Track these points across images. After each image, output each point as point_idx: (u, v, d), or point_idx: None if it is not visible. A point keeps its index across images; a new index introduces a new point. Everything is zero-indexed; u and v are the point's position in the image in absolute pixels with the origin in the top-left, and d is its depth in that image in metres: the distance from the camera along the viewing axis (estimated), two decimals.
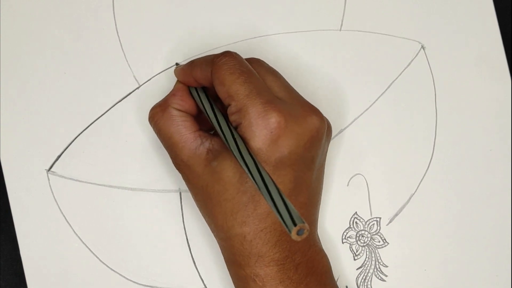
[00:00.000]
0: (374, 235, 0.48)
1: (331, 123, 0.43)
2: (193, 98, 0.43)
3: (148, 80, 0.48)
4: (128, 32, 0.48)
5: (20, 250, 0.46)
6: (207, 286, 0.47)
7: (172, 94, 0.43)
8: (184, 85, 0.44)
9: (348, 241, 0.48)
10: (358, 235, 0.48)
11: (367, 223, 0.48)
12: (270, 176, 0.36)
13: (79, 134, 0.47)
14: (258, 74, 0.42)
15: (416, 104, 0.49)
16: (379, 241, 0.48)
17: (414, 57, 0.49)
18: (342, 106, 0.48)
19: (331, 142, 0.46)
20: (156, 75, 0.48)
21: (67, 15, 0.48)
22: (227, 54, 0.41)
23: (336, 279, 0.47)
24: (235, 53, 0.41)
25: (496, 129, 0.49)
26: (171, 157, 0.43)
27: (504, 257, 0.48)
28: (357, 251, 0.48)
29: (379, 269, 0.48)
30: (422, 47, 0.49)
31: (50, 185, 0.47)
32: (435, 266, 0.48)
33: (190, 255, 0.47)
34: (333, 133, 0.47)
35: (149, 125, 0.47)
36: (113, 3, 0.48)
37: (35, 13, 0.48)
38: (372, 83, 0.48)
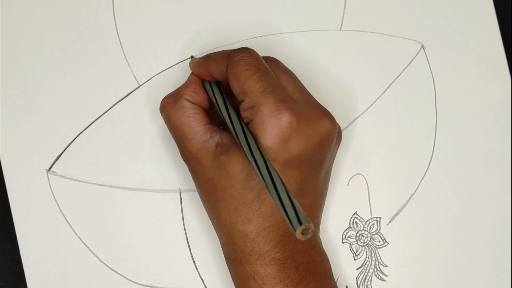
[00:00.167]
0: (374, 235, 0.48)
1: None
2: (206, 91, 0.43)
3: (148, 80, 0.48)
4: (128, 32, 0.48)
5: (20, 250, 0.46)
6: (207, 286, 0.47)
7: (185, 86, 0.43)
8: (198, 78, 0.44)
9: (348, 241, 0.48)
10: (358, 235, 0.48)
11: (367, 223, 0.48)
12: (278, 175, 0.36)
13: (79, 134, 0.47)
14: (274, 73, 0.42)
15: (416, 104, 0.49)
16: (379, 241, 0.48)
17: (414, 57, 0.49)
18: (342, 106, 0.48)
19: None
20: (156, 75, 0.48)
21: (67, 15, 0.48)
22: (245, 50, 0.41)
23: (336, 279, 0.47)
24: (253, 50, 0.41)
25: (496, 129, 0.49)
26: (179, 148, 0.43)
27: (504, 257, 0.48)
28: (357, 251, 0.48)
29: (379, 269, 0.48)
30: (422, 47, 0.49)
31: (50, 185, 0.47)
32: (435, 266, 0.48)
33: (190, 255, 0.47)
34: None
35: (149, 126, 0.47)
36: (113, 3, 0.48)
37: (35, 13, 0.48)
38: (372, 83, 0.48)
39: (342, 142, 0.46)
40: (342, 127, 0.48)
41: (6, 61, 0.47)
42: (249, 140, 0.39)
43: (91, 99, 0.47)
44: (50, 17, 0.48)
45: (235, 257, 0.41)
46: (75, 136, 0.47)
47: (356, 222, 0.48)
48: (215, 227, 0.43)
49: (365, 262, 0.48)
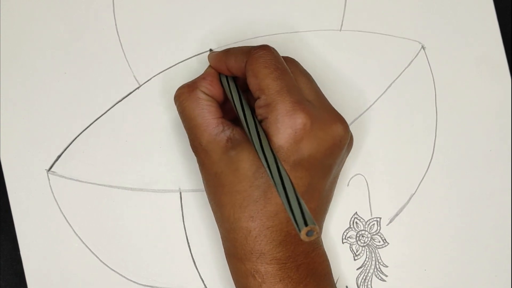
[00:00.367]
0: (374, 235, 0.48)
1: None
2: (222, 85, 0.43)
3: (148, 80, 0.48)
4: (128, 32, 0.48)
5: (20, 250, 0.46)
6: (207, 286, 0.47)
7: (202, 78, 0.43)
8: (215, 71, 0.44)
9: (348, 241, 0.48)
10: (358, 235, 0.48)
11: (367, 223, 0.48)
12: (287, 174, 0.36)
13: (79, 134, 0.47)
14: (292, 73, 0.42)
15: (416, 104, 0.49)
16: (379, 241, 0.48)
17: (414, 57, 0.49)
18: (342, 106, 0.48)
19: None
20: (156, 75, 0.48)
21: (67, 15, 0.48)
22: (265, 48, 0.41)
23: (336, 279, 0.47)
24: (273, 48, 0.41)
25: (496, 129, 0.49)
26: (190, 139, 0.43)
27: (504, 257, 0.48)
28: (357, 251, 0.48)
29: (379, 269, 0.48)
30: (422, 47, 0.49)
31: (50, 185, 0.47)
32: (435, 266, 0.48)
33: (190, 255, 0.47)
34: None
35: (149, 126, 0.47)
36: (113, 3, 0.48)
37: (35, 13, 0.48)
38: (372, 83, 0.48)
39: None
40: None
41: (6, 61, 0.47)
42: (261, 138, 0.39)
43: (91, 99, 0.47)
44: (50, 17, 0.48)
45: (236, 253, 0.41)
46: (75, 136, 0.47)
47: (356, 222, 0.48)
48: (217, 221, 0.43)
49: (365, 262, 0.48)
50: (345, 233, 0.48)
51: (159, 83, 0.48)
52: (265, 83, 0.40)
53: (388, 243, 0.48)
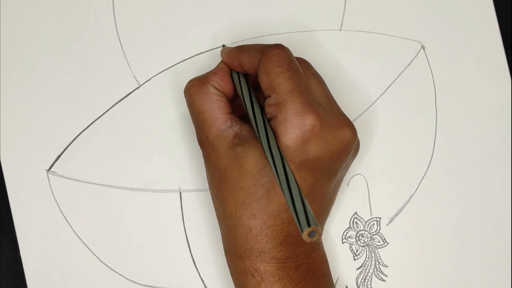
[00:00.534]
0: (374, 235, 0.48)
1: None
2: (233, 82, 0.43)
3: (148, 80, 0.48)
4: (128, 32, 0.48)
5: (20, 250, 0.46)
6: (207, 286, 0.47)
7: (213, 72, 0.43)
8: (227, 67, 0.44)
9: (348, 241, 0.48)
10: (358, 235, 0.48)
11: (367, 223, 0.48)
12: (293, 174, 0.36)
13: (79, 134, 0.47)
14: (303, 74, 0.42)
15: (416, 104, 0.49)
16: (379, 241, 0.48)
17: (414, 57, 0.49)
18: (342, 106, 0.47)
19: None
20: (156, 75, 0.48)
21: (67, 15, 0.48)
22: (279, 47, 0.41)
23: (336, 279, 0.47)
24: (287, 48, 0.42)
25: (496, 129, 0.49)
26: (197, 133, 0.43)
27: (504, 257, 0.48)
28: (357, 251, 0.48)
29: (379, 269, 0.48)
30: (422, 47, 0.49)
31: (50, 185, 0.47)
32: (435, 266, 0.48)
33: (190, 255, 0.47)
34: None
35: (149, 126, 0.47)
36: (113, 3, 0.48)
37: (35, 13, 0.48)
38: (372, 83, 0.48)
39: None
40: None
41: (6, 61, 0.47)
42: (269, 136, 0.39)
43: (91, 99, 0.47)
44: (50, 17, 0.48)
45: (235, 251, 0.41)
46: (75, 136, 0.47)
47: (356, 222, 0.48)
48: (218, 218, 0.43)
49: (365, 262, 0.48)
50: (345, 233, 0.48)
51: (159, 83, 0.48)
52: (277, 82, 0.40)
53: (388, 243, 0.48)
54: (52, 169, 0.47)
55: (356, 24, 0.49)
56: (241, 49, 0.43)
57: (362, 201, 0.48)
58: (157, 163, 0.47)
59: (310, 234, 0.33)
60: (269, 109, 0.40)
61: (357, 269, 0.48)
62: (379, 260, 0.48)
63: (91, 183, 0.47)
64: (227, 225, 0.41)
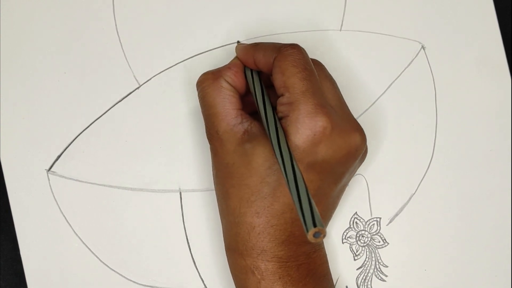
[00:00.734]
0: (374, 235, 0.48)
1: None
2: (246, 78, 0.43)
3: (148, 80, 0.48)
4: (128, 32, 0.48)
5: (20, 250, 0.46)
6: (207, 286, 0.47)
7: (227, 67, 0.43)
8: (241, 63, 0.44)
9: (348, 241, 0.48)
10: (358, 235, 0.48)
11: (367, 223, 0.48)
12: (301, 174, 0.36)
13: (79, 134, 0.47)
14: (318, 77, 0.42)
15: (416, 104, 0.49)
16: (379, 241, 0.48)
17: (414, 57, 0.49)
18: None
19: None
20: (156, 75, 0.48)
21: (67, 15, 0.48)
22: (296, 47, 0.41)
23: (336, 279, 0.47)
24: (303, 48, 0.42)
25: (496, 129, 0.49)
26: (206, 126, 0.42)
27: (504, 257, 0.48)
28: (357, 251, 0.48)
29: (379, 269, 0.48)
30: (422, 47, 0.49)
31: (50, 185, 0.47)
32: (435, 266, 0.48)
33: (190, 255, 0.47)
34: None
35: (149, 126, 0.47)
36: (113, 3, 0.48)
37: (35, 13, 0.48)
38: (372, 83, 0.48)
39: None
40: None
41: (6, 61, 0.47)
42: (280, 135, 0.39)
43: (91, 99, 0.47)
44: (50, 17, 0.48)
45: (236, 248, 0.41)
46: (75, 136, 0.47)
47: (356, 222, 0.48)
48: (221, 213, 0.42)
49: (365, 262, 0.48)
50: (345, 233, 0.48)
51: (159, 83, 0.48)
52: (291, 81, 0.40)
53: (388, 243, 0.48)
54: (52, 169, 0.47)
55: (356, 24, 0.49)
56: (257, 46, 0.43)
57: (362, 201, 0.48)
58: (157, 163, 0.47)
59: (315, 235, 0.33)
60: (281, 108, 0.40)
61: (357, 269, 0.48)
62: (379, 260, 0.48)
63: (91, 183, 0.47)
64: (230, 222, 0.41)
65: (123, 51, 0.48)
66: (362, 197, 0.48)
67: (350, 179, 0.44)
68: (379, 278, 0.48)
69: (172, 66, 0.48)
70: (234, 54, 0.45)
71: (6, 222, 0.46)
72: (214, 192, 0.46)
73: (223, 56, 0.48)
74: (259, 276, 0.40)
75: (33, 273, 0.46)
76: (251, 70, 0.43)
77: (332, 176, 0.41)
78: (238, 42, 0.47)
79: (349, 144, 0.40)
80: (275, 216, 0.40)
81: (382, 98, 0.48)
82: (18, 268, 0.46)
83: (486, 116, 0.49)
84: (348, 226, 0.48)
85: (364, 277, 0.48)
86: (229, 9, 0.48)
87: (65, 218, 0.47)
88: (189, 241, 0.47)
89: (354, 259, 0.48)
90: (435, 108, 0.49)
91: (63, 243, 0.46)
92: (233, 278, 0.42)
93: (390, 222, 0.48)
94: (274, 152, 0.38)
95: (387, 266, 0.48)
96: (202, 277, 0.47)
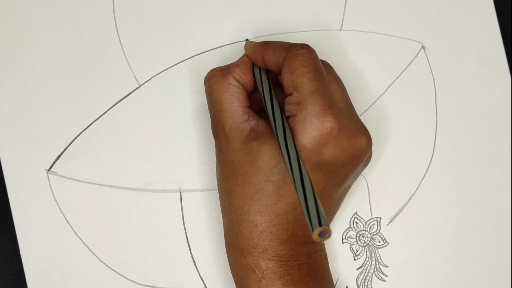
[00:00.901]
0: (374, 235, 0.48)
1: None
2: (254, 77, 0.43)
3: (148, 80, 0.48)
4: (128, 32, 0.48)
5: (20, 250, 0.46)
6: (207, 286, 0.47)
7: (236, 65, 0.43)
8: (249, 61, 0.44)
9: (348, 241, 0.48)
10: (358, 235, 0.48)
11: (367, 223, 0.48)
12: (308, 173, 0.36)
13: (79, 134, 0.47)
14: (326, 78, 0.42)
15: (416, 104, 0.49)
16: (379, 241, 0.48)
17: (414, 57, 0.49)
18: None
19: None
20: (156, 75, 0.48)
21: (67, 15, 0.48)
22: (306, 47, 0.41)
23: (336, 279, 0.47)
24: (313, 49, 0.42)
25: (496, 129, 0.49)
26: (213, 122, 0.42)
27: (504, 257, 0.48)
28: (357, 251, 0.48)
29: (379, 269, 0.48)
30: (422, 47, 0.49)
31: (50, 185, 0.47)
32: (435, 266, 0.48)
33: (190, 255, 0.47)
34: None
35: (149, 126, 0.47)
36: (113, 3, 0.48)
37: (35, 13, 0.48)
38: (372, 83, 0.48)
39: None
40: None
41: (6, 61, 0.47)
42: (287, 134, 0.39)
43: (91, 99, 0.47)
44: (50, 17, 0.48)
45: (238, 246, 0.41)
46: (75, 136, 0.47)
47: (356, 222, 0.48)
48: (223, 211, 0.42)
49: (365, 262, 0.48)
50: (345, 233, 0.48)
51: (159, 83, 0.48)
52: (300, 80, 0.40)
53: (388, 243, 0.48)
54: (52, 169, 0.47)
55: (356, 24, 0.49)
56: (267, 45, 0.43)
57: (362, 201, 0.48)
58: (157, 163, 0.47)
59: (320, 234, 0.33)
60: (289, 107, 0.40)
61: (357, 269, 0.48)
62: (379, 260, 0.48)
63: (91, 183, 0.47)
64: (232, 219, 0.41)
65: (123, 51, 0.48)
66: (362, 197, 0.48)
67: (353, 182, 0.44)
68: (379, 278, 0.48)
69: (172, 66, 0.48)
70: (236, 53, 0.45)
71: (6, 222, 0.46)
72: (214, 192, 0.46)
73: (223, 56, 0.48)
74: (259, 275, 0.40)
75: (33, 273, 0.46)
76: (260, 68, 0.43)
77: (337, 177, 0.41)
78: (246, 40, 0.47)
79: (355, 147, 0.40)
80: (278, 215, 0.40)
81: (382, 98, 0.48)
82: (18, 268, 0.46)
83: (486, 116, 0.49)
84: (348, 226, 0.48)
85: (364, 277, 0.48)
86: (229, 9, 0.48)
87: (65, 218, 0.47)
88: (189, 241, 0.47)
89: (354, 259, 0.48)
90: (435, 108, 0.49)
91: (63, 243, 0.46)
92: (233, 276, 0.42)
93: (390, 222, 0.48)
94: (281, 151, 0.38)
95: (387, 266, 0.48)
96: (202, 277, 0.47)
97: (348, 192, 0.47)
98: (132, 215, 0.47)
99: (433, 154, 0.48)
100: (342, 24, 0.49)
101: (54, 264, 0.46)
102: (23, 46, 0.47)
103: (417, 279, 0.48)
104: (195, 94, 0.47)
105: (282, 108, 0.41)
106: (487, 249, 0.48)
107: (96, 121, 0.47)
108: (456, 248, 0.48)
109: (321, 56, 0.45)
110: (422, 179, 0.48)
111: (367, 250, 0.48)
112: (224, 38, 0.48)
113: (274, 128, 0.40)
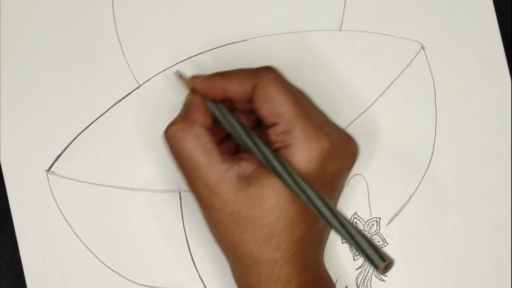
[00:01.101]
0: (373, 235, 0.48)
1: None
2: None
3: (148, 80, 0.48)
4: (128, 32, 0.48)
5: (20, 250, 0.46)
6: (207, 286, 0.47)
7: (193, 110, 0.40)
8: (201, 99, 0.41)
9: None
10: None
11: (367, 223, 0.48)
12: (340, 212, 0.35)
13: (79, 134, 0.47)
14: None
15: (416, 104, 0.49)
16: (378, 241, 0.48)
17: (414, 57, 0.49)
18: (342, 106, 0.48)
19: None
20: (156, 75, 0.48)
21: (67, 15, 0.48)
22: (273, 70, 0.39)
23: (336, 279, 0.47)
24: (278, 69, 0.39)
25: (496, 129, 0.49)
26: (190, 182, 0.39)
27: (504, 257, 0.48)
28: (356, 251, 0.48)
29: None
30: (422, 47, 0.49)
31: (50, 185, 0.47)
32: (434, 266, 0.48)
33: (190, 255, 0.47)
34: None
35: (149, 126, 0.47)
36: (113, 3, 0.48)
37: (35, 13, 0.48)
38: (372, 83, 0.48)
39: None
40: (342, 127, 0.48)
41: (6, 61, 0.47)
42: (289, 170, 0.37)
43: (91, 99, 0.47)
44: (50, 17, 0.48)
45: (258, 286, 0.39)
46: (75, 136, 0.47)
47: (355, 222, 0.48)
48: (234, 259, 0.40)
49: (365, 262, 0.48)
50: None
51: (159, 83, 0.48)
52: (283, 109, 0.38)
53: (388, 243, 0.48)
54: (52, 169, 0.47)
55: (356, 24, 0.49)
56: (228, 76, 0.40)
57: (361, 201, 0.48)
58: (157, 163, 0.47)
59: (386, 267, 0.33)
60: (277, 138, 0.38)
61: (356, 269, 0.48)
62: None
63: (91, 183, 0.47)
64: (248, 264, 0.39)
65: (122, 51, 0.48)
66: (361, 197, 0.48)
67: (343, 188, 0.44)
68: (379, 278, 0.48)
69: (172, 66, 0.48)
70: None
71: (6, 222, 0.46)
72: None
73: (223, 56, 0.48)
74: None
75: (33, 273, 0.46)
76: (217, 103, 0.40)
77: (337, 190, 0.41)
78: (180, 76, 0.44)
79: (350, 155, 0.40)
80: (295, 243, 0.39)
81: (382, 98, 0.48)
82: (18, 268, 0.46)
83: (485, 116, 0.49)
84: None
85: (363, 277, 0.47)
86: (229, 9, 0.48)
87: (65, 218, 0.47)
88: (188, 241, 0.47)
89: (354, 259, 0.48)
90: (434, 108, 0.49)
91: (63, 243, 0.46)
92: None
93: (389, 222, 0.48)
94: (292, 191, 0.37)
95: None
96: (202, 277, 0.47)
97: (348, 192, 0.47)
98: (132, 215, 0.47)
99: (432, 154, 0.48)
100: (341, 24, 0.49)
101: (54, 264, 0.46)
102: (23, 46, 0.47)
103: (417, 279, 0.48)
104: None
105: (263, 140, 0.39)
106: (487, 249, 0.48)
107: (95, 121, 0.47)
108: (456, 248, 0.48)
109: (320, 56, 0.45)
110: (422, 179, 0.48)
111: None
112: (223, 38, 0.48)
113: (270, 168, 0.38)
